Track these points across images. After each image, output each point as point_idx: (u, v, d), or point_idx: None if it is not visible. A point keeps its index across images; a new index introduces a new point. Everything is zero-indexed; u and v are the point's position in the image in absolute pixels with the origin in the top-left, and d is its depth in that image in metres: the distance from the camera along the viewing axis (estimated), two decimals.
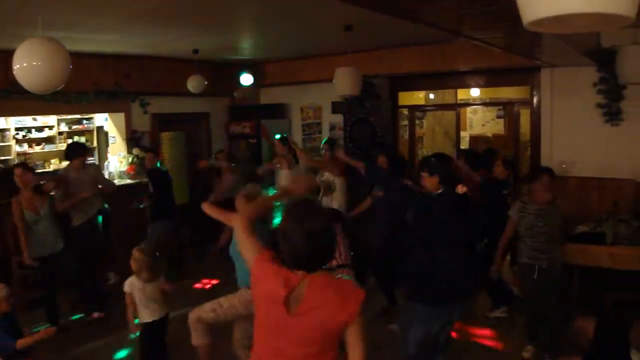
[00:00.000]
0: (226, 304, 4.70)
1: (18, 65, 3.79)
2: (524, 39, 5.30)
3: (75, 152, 7.03)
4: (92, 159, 10.71)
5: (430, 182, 4.19)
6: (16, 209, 6.00)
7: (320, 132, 10.47)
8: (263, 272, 2.49)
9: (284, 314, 2.36)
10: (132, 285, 4.93)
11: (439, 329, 4.26)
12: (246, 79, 10.46)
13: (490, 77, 9.03)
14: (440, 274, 4.09)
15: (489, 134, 12.39)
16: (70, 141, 10.27)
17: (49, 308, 6.32)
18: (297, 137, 10.58)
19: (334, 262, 5.28)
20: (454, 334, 4.65)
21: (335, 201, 6.83)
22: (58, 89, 4.04)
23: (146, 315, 4.97)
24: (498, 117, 12.25)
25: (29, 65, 3.76)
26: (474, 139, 12.58)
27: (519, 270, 5.75)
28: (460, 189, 4.05)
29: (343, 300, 2.40)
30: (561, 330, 5.36)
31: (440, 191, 4.16)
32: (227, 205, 4.78)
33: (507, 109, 11.56)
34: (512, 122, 10.11)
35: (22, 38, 3.96)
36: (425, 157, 4.52)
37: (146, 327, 5.01)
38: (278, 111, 10.75)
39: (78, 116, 10.82)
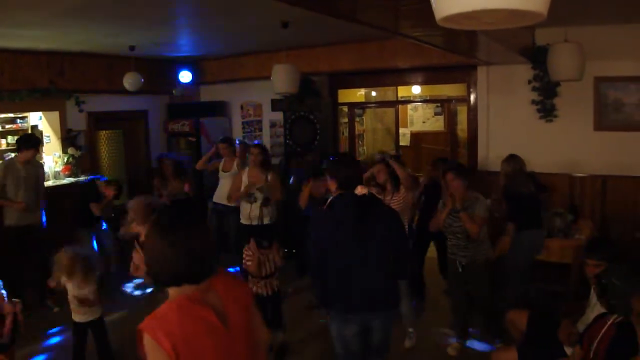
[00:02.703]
0: None
1: None
2: (459, 38, 5.37)
3: (28, 143, 6.90)
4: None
5: (331, 185, 4.01)
6: None
7: (260, 130, 10.43)
8: (175, 319, 2.14)
9: (222, 333, 2.21)
10: None
11: (356, 333, 4.01)
12: (185, 76, 10.33)
13: (428, 75, 9.13)
14: (343, 284, 3.88)
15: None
16: (3, 141, 9.95)
17: None
18: (238, 134, 10.51)
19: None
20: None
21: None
22: None
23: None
24: (436, 114, 12.44)
25: None
26: (414, 136, 12.74)
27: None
28: (360, 190, 3.89)
29: (244, 288, 2.44)
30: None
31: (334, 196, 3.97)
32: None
33: (445, 106, 11.74)
34: (450, 119, 10.25)
35: None
36: (327, 160, 4.23)
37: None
38: (218, 109, 10.65)
39: (11, 115, 10.44)
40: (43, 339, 6.17)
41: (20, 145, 6.91)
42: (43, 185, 7.25)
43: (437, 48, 6.11)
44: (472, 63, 7.97)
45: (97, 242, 7.39)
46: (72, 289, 4.87)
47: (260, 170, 6.90)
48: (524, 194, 6.08)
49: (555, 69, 6.18)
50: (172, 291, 2.21)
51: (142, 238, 4.30)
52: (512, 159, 6.31)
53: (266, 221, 6.87)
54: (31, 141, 7.06)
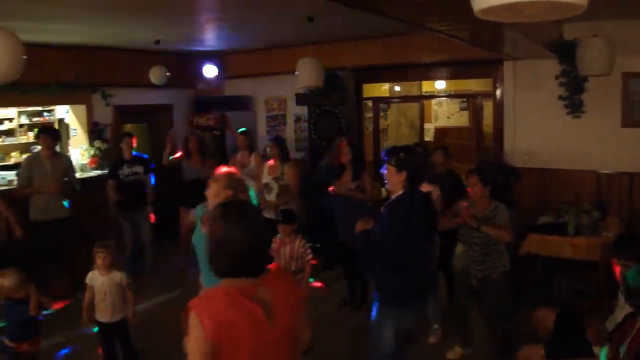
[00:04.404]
0: None
1: None
2: (485, 32, 5.32)
3: (45, 132, 7.09)
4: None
5: (396, 178, 3.92)
6: None
7: (285, 124, 10.43)
8: (221, 304, 2.24)
9: (266, 330, 2.27)
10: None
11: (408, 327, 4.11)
12: (210, 71, 10.36)
13: (454, 70, 9.06)
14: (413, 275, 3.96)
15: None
16: (31, 134, 10.05)
17: None
18: (262, 129, 10.53)
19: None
20: None
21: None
22: (12, 80, 3.93)
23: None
24: (461, 109, 12.34)
25: None
26: (438, 131, 12.66)
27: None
28: (425, 187, 3.93)
29: (295, 288, 2.47)
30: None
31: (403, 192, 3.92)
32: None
33: (470, 102, 11.65)
34: (476, 114, 10.17)
35: None
36: (394, 149, 4.17)
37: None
38: (243, 103, 10.66)
39: (39, 108, 10.56)
40: (69, 331, 6.21)
41: (38, 135, 7.07)
42: (74, 176, 7.31)
43: (463, 42, 6.05)
44: (499, 58, 7.90)
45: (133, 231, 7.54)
46: (103, 284, 4.94)
47: (278, 161, 6.92)
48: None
49: (584, 63, 6.11)
50: (225, 282, 2.29)
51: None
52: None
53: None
54: (48, 130, 7.22)
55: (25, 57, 3.88)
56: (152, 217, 7.74)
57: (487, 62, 8.17)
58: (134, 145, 7.78)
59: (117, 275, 4.97)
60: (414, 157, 4.05)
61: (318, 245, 8.05)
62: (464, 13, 4.08)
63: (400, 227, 3.80)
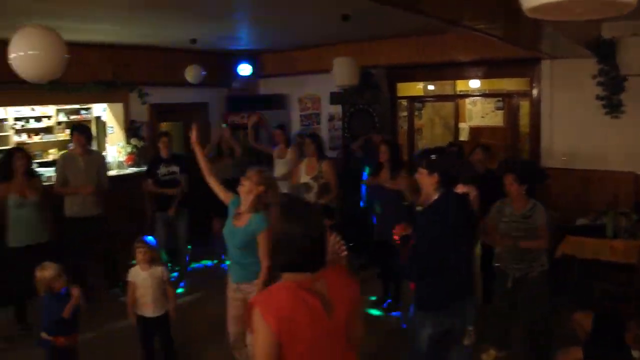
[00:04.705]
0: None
1: (14, 54, 3.76)
2: (524, 30, 5.26)
3: (79, 129, 7.18)
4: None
5: (428, 181, 3.87)
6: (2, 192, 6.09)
7: (319, 123, 10.44)
8: (284, 300, 2.31)
9: (325, 323, 2.34)
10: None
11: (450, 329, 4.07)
12: (244, 69, 10.42)
13: (490, 69, 8.97)
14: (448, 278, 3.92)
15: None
16: (68, 131, 10.24)
17: (19, 306, 6.32)
18: (296, 128, 10.56)
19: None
20: None
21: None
22: (54, 78, 4.01)
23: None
24: (497, 108, 12.20)
25: (25, 54, 3.73)
26: (473, 131, 12.55)
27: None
28: (461, 188, 3.89)
29: (351, 282, 2.52)
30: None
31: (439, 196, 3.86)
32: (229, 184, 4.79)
33: (506, 101, 11.52)
34: (511, 114, 10.07)
35: (20, 27, 3.92)
36: (426, 151, 4.14)
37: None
38: (277, 102, 10.72)
39: (77, 106, 10.75)
40: (105, 326, 6.30)
41: (71, 133, 7.15)
42: (104, 175, 7.33)
43: (499, 40, 5.98)
44: (536, 57, 7.81)
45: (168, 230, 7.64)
46: (145, 279, 5.01)
47: (314, 159, 6.91)
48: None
49: (625, 62, 6.04)
50: (285, 276, 2.37)
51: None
52: None
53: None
54: (81, 128, 7.32)
55: (67, 55, 3.95)
56: (172, 210, 7.66)
57: (523, 61, 8.08)
58: (170, 144, 7.83)
59: (158, 270, 5.04)
60: (446, 159, 3.98)
61: (351, 244, 8.06)
62: (500, 9, 4.07)
63: (435, 232, 3.76)
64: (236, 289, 4.58)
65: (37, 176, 6.65)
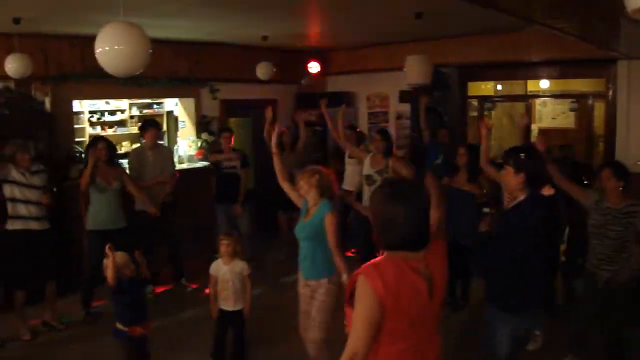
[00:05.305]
0: (321, 310, 4.55)
1: (100, 49, 3.88)
2: (599, 27, 5.14)
3: (149, 124, 7.39)
4: (161, 142, 10.96)
5: (514, 180, 3.76)
6: (85, 177, 6.32)
7: (387, 121, 10.42)
8: (390, 284, 2.28)
9: (426, 303, 2.37)
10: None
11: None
12: (313, 67, 10.49)
13: (563, 69, 8.77)
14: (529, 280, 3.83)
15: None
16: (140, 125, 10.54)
17: (84, 290, 6.53)
18: (363, 126, 10.56)
19: None
20: None
21: None
22: (139, 72, 4.14)
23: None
24: (571, 110, 11.90)
25: (111, 49, 3.86)
26: (543, 132, 12.29)
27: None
28: (547, 191, 3.80)
29: (446, 264, 2.53)
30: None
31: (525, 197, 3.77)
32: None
33: (580, 102, 11.25)
34: (584, 115, 9.83)
35: (101, 24, 4.05)
36: (514, 149, 3.98)
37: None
38: (345, 99, 10.71)
39: (149, 101, 11.04)
40: (173, 317, 6.50)
41: (142, 127, 7.36)
42: (171, 166, 7.59)
43: (574, 38, 5.84)
44: (612, 57, 7.60)
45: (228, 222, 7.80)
46: (226, 273, 5.13)
47: (381, 156, 6.90)
48: None
49: None
50: (391, 254, 2.39)
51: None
52: None
53: None
54: (152, 122, 7.53)
55: (151, 51, 4.07)
56: (239, 210, 7.93)
57: (599, 61, 7.88)
58: (232, 140, 8.12)
59: (239, 265, 5.14)
60: (535, 159, 3.83)
61: None
62: (576, 5, 3.98)
63: (518, 232, 3.67)
64: (305, 284, 4.66)
65: (119, 165, 6.87)
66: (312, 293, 4.56)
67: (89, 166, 6.29)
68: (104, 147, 6.45)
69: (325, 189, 4.52)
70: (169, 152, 7.86)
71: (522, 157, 3.73)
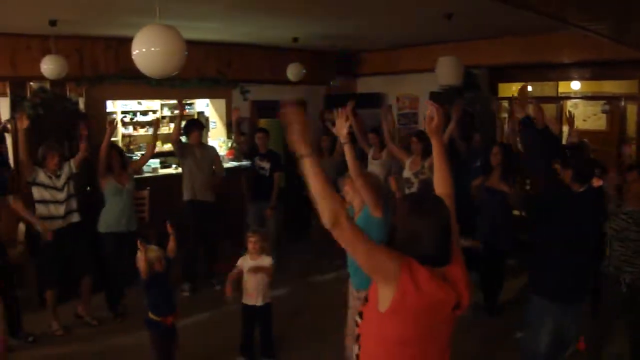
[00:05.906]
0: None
1: (137, 51, 3.98)
2: (632, 27, 5.09)
3: (195, 124, 7.59)
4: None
5: (562, 176, 3.88)
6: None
7: (416, 123, 10.41)
8: (420, 282, 2.22)
9: (448, 317, 2.33)
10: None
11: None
12: (343, 68, 10.53)
13: (595, 70, 8.69)
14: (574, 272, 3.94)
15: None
16: (172, 125, 10.65)
17: (110, 291, 6.64)
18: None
19: None
20: None
21: None
22: (174, 73, 4.23)
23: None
24: (603, 111, 11.76)
25: (148, 51, 3.95)
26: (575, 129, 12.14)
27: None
28: (596, 182, 3.83)
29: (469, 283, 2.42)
30: None
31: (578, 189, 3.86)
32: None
33: (612, 104, 11.12)
34: (616, 117, 9.72)
35: (135, 26, 4.14)
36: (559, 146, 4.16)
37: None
38: (374, 101, 10.75)
39: None
40: (204, 313, 6.61)
41: (187, 128, 7.47)
42: (220, 164, 7.79)
43: (607, 39, 5.79)
44: None
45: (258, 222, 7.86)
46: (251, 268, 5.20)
47: (419, 158, 6.90)
48: None
49: None
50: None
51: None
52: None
53: None
54: (197, 122, 7.75)
55: (187, 52, 4.16)
56: (269, 213, 7.98)
57: (632, 62, 7.79)
58: (267, 140, 8.21)
59: (265, 261, 5.22)
60: (581, 155, 4.04)
61: None
62: (608, 5, 3.95)
63: (563, 221, 3.81)
64: (356, 296, 4.34)
65: (129, 165, 6.95)
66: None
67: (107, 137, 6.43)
68: (115, 154, 6.54)
69: (377, 189, 4.32)
70: (214, 151, 7.94)
71: (568, 152, 3.98)
